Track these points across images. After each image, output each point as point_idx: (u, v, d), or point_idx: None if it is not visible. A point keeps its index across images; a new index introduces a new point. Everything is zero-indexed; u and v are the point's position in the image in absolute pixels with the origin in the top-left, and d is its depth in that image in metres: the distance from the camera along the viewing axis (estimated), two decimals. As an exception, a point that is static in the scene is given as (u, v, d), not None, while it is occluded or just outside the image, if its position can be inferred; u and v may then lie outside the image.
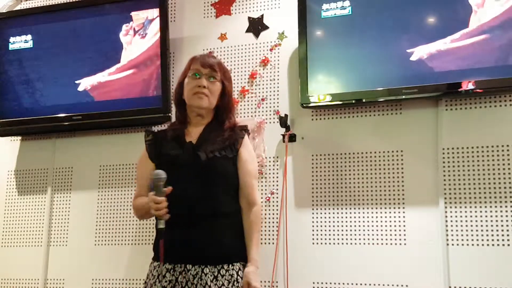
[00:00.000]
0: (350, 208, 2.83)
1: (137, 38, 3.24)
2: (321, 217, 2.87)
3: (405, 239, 2.72)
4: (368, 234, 2.78)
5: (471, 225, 2.63)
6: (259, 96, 3.09)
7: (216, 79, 2.26)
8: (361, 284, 2.74)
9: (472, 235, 2.62)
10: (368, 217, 2.80)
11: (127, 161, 3.28)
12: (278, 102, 3.05)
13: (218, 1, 3.27)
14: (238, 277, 2.09)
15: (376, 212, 2.79)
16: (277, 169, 2.98)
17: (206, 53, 3.21)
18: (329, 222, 2.86)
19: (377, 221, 2.78)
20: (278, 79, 3.08)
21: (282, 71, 3.07)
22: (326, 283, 2.80)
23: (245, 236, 2.18)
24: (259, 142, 3.01)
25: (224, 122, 2.28)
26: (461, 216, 2.66)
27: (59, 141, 3.46)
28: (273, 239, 2.91)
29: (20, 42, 3.47)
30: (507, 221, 2.58)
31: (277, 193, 2.95)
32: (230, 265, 2.10)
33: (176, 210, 2.11)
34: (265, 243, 2.89)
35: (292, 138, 2.96)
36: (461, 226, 2.65)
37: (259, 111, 3.07)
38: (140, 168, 2.37)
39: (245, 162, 2.23)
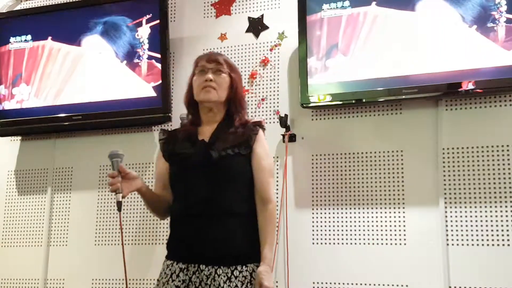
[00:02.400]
0: (350, 208, 2.83)
1: (138, 38, 3.24)
2: (321, 217, 2.87)
3: (405, 239, 2.72)
4: (368, 234, 2.78)
5: (471, 225, 2.63)
6: (259, 96, 3.09)
7: (222, 71, 2.23)
8: (361, 284, 2.74)
9: (472, 235, 2.62)
10: (368, 217, 2.80)
11: (127, 161, 3.23)
12: (278, 102, 3.05)
13: (218, 1, 3.27)
14: (252, 279, 2.07)
15: (376, 212, 2.79)
16: (277, 169, 2.98)
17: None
18: (329, 222, 2.85)
19: (377, 221, 2.78)
20: (278, 79, 3.08)
21: (282, 71, 3.07)
22: (326, 283, 2.80)
23: (259, 234, 2.15)
24: (259, 142, 3.00)
25: (235, 116, 2.24)
26: (461, 216, 2.66)
27: (59, 141, 3.46)
28: (273, 239, 2.91)
29: (20, 42, 3.48)
30: (507, 221, 2.58)
31: (277, 193, 2.95)
32: (244, 266, 2.07)
33: (189, 210, 2.10)
34: (265, 243, 2.89)
35: (292, 138, 2.96)
36: (461, 226, 2.65)
37: (259, 111, 3.07)
38: (156, 167, 2.36)
39: (260, 158, 2.19)
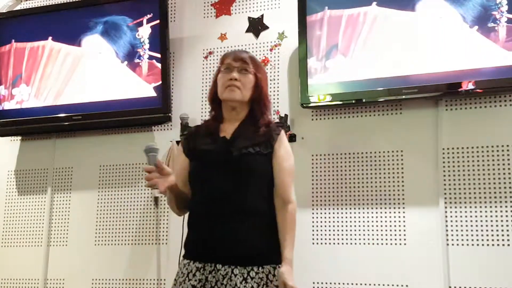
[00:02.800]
0: (350, 208, 2.83)
1: (139, 38, 3.24)
2: (321, 217, 2.87)
3: (405, 239, 2.72)
4: (368, 234, 2.78)
5: (471, 225, 2.63)
6: (259, 96, 3.09)
7: (248, 71, 2.21)
8: (361, 284, 2.74)
9: (472, 235, 2.62)
10: (368, 217, 2.79)
11: (127, 161, 3.28)
12: (278, 102, 3.05)
13: (218, 1, 3.27)
14: (268, 281, 2.06)
15: (376, 212, 2.79)
16: (277, 169, 2.97)
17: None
18: (329, 222, 2.85)
19: (377, 221, 2.78)
20: (278, 79, 3.08)
21: (282, 71, 3.07)
22: (326, 283, 2.80)
23: (279, 235, 2.14)
24: (259, 142, 3.00)
25: (259, 117, 2.23)
26: (461, 216, 2.66)
27: (59, 141, 3.46)
28: (273, 239, 2.91)
29: (20, 42, 3.47)
30: (507, 221, 2.58)
31: (277, 193, 2.94)
32: (260, 268, 2.05)
33: (207, 207, 2.09)
34: (265, 243, 2.89)
35: (292, 138, 2.95)
36: (461, 226, 2.65)
37: (259, 111, 3.07)
38: (176, 163, 2.34)
39: (280, 159, 2.17)
